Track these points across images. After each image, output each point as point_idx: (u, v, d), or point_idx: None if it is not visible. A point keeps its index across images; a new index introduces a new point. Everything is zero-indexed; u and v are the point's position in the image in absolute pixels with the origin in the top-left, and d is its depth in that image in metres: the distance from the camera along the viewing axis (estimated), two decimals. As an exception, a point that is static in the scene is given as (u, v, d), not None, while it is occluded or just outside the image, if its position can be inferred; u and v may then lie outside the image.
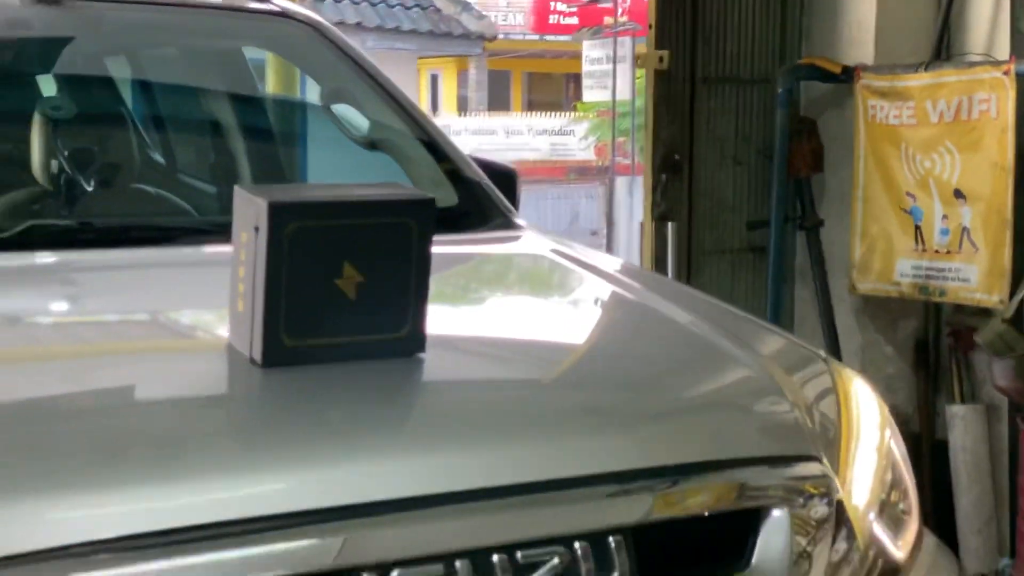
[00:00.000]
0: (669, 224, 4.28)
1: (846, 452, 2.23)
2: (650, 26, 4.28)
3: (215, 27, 3.70)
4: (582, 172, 26.43)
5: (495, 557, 1.77)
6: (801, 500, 2.04)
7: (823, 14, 4.43)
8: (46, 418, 1.86)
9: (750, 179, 4.47)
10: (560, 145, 30.39)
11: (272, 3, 3.60)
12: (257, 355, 1.96)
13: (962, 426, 4.18)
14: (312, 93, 4.20)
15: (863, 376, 2.60)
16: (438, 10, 17.34)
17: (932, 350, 4.44)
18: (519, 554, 1.78)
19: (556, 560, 1.80)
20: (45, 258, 2.58)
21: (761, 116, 4.44)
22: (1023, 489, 3.47)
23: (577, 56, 22.98)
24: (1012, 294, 3.68)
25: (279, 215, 1.93)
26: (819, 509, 2.06)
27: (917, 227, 4.05)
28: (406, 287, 2.04)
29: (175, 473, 1.71)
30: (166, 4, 3.57)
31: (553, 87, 38.62)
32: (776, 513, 2.00)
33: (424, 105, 37.18)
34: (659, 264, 4.27)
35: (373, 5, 16.81)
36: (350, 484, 1.76)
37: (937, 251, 3.98)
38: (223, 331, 2.06)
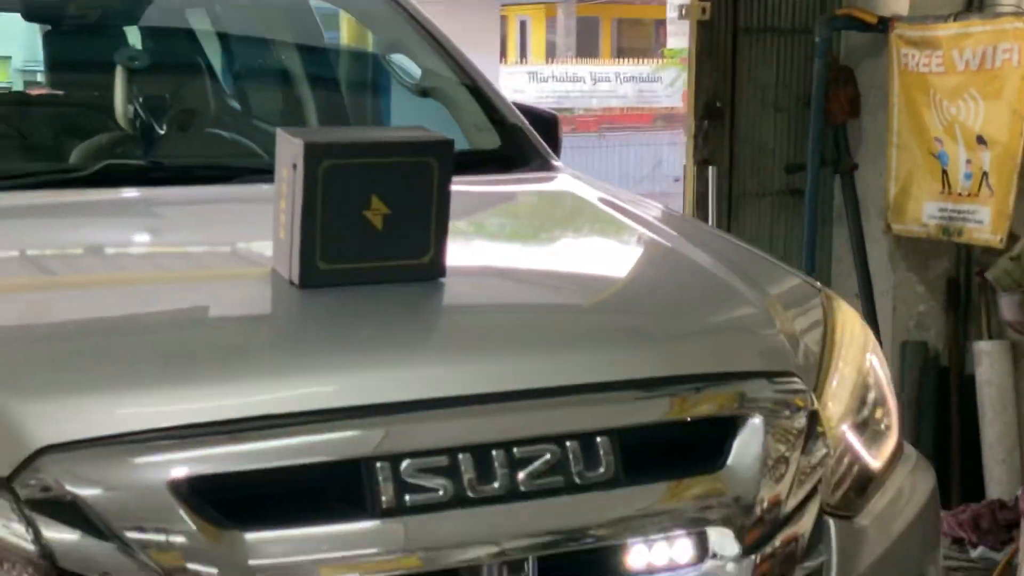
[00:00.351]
0: (710, 168, 4.53)
1: (827, 372, 2.47)
2: (693, -23, 4.52)
3: None
4: (668, 119, 26.57)
5: (494, 452, 2.04)
6: (777, 411, 2.29)
7: (858, -34, 4.65)
8: (122, 329, 2.18)
9: (789, 125, 4.70)
10: (647, 92, 30.50)
11: (334, -41, 3.88)
12: (295, 277, 2.26)
13: (988, 362, 4.40)
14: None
15: (853, 307, 2.82)
16: (520, -42, 17.57)
17: (963, 289, 4.65)
18: (515, 450, 2.06)
19: (548, 456, 2.07)
20: (117, 194, 2.89)
21: (800, 65, 4.66)
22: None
23: (665, 2, 23.13)
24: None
25: (313, 154, 2.22)
26: (794, 419, 2.30)
27: (944, 171, 4.27)
28: (427, 218, 2.31)
29: (229, 374, 2.02)
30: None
31: (642, 33, 38.69)
32: (753, 421, 2.25)
33: (512, 51, 37.37)
34: (700, 206, 4.52)
35: (455, -46, 17.08)
36: (371, 388, 2.05)
37: (960, 194, 4.20)
38: (268, 257, 2.35)
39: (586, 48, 36.36)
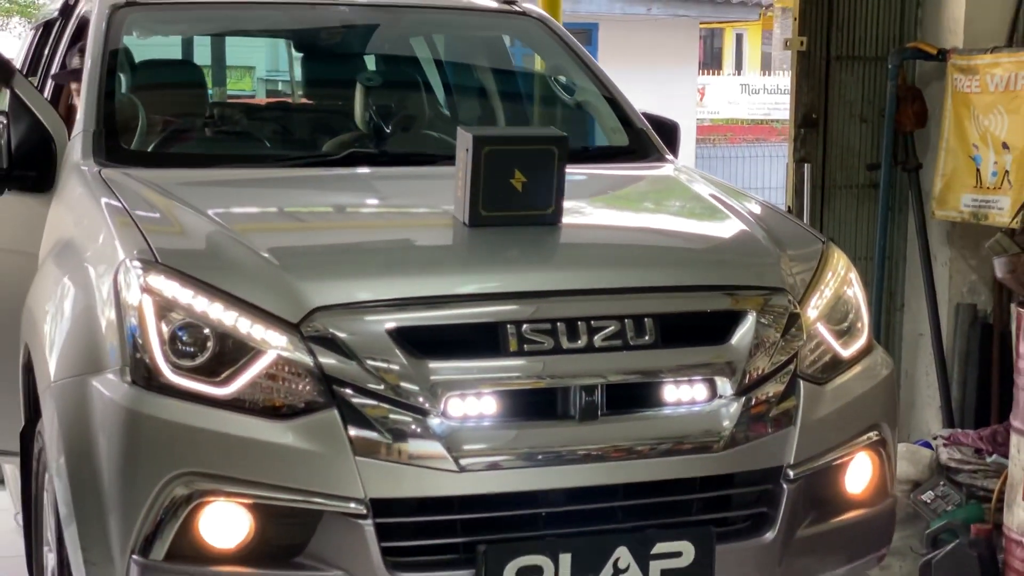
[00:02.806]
0: (806, 165, 5.84)
1: (811, 290, 3.78)
2: (794, 18, 5.84)
3: (480, 22, 5.43)
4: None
5: (579, 323, 3.42)
6: (768, 310, 3.61)
7: (930, 8, 5.91)
8: (364, 244, 3.73)
9: (870, 132, 5.98)
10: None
11: (516, 5, 5.29)
12: (467, 220, 3.67)
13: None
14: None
15: (844, 253, 4.10)
16: (719, -20, 18.93)
17: (1010, 263, 5.85)
18: (593, 323, 3.44)
19: (613, 327, 3.44)
20: (358, 171, 4.38)
21: (880, 85, 5.94)
22: (1019, 368, 4.78)
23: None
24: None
25: (479, 142, 3.62)
26: (779, 317, 3.63)
27: (977, 170, 5.51)
28: (551, 184, 3.69)
29: (426, 270, 3.50)
30: (448, 8, 5.35)
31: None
32: (750, 315, 3.58)
33: (727, 62, 38.31)
34: (798, 195, 5.84)
35: (659, -24, 18.54)
36: (508, 281, 3.49)
37: (988, 188, 5.44)
38: (451, 207, 3.78)
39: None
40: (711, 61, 38.14)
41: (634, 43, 18.56)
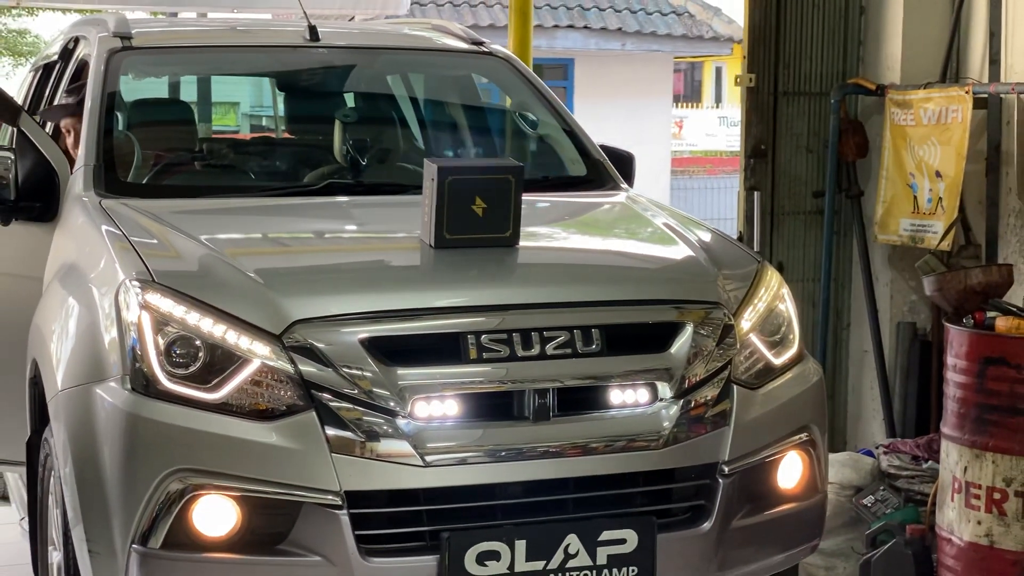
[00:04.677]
0: (756, 193, 6.25)
1: (745, 303, 4.17)
2: (743, 56, 6.27)
3: (450, 61, 5.83)
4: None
5: (533, 333, 3.82)
6: (704, 322, 4.01)
7: (870, 47, 6.34)
8: (339, 264, 4.12)
9: (817, 162, 6.41)
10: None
11: (484, 46, 5.69)
12: (432, 242, 4.06)
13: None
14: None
15: (776, 270, 4.50)
16: (692, 16, 19.37)
17: (945, 284, 6.26)
18: (545, 333, 3.83)
19: (563, 337, 3.83)
20: (335, 199, 4.79)
21: (825, 118, 6.36)
22: (947, 379, 5.17)
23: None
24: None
25: (442, 172, 4.02)
26: (714, 328, 4.02)
27: (915, 197, 5.92)
28: (508, 210, 4.08)
29: (394, 286, 3.91)
30: (420, 49, 5.76)
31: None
32: (687, 327, 3.97)
33: (706, 95, 38.76)
34: (748, 222, 6.25)
35: (633, 13, 18.97)
36: (469, 296, 3.89)
37: (924, 213, 5.86)
38: (418, 231, 4.17)
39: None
40: (691, 94, 38.56)
41: (609, 77, 19.04)
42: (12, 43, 23.13)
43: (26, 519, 4.83)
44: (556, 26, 18.31)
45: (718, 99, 38.42)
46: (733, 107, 34.55)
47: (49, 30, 23.52)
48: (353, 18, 8.69)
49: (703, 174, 24.82)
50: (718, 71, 39.48)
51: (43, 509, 4.39)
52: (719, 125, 32.61)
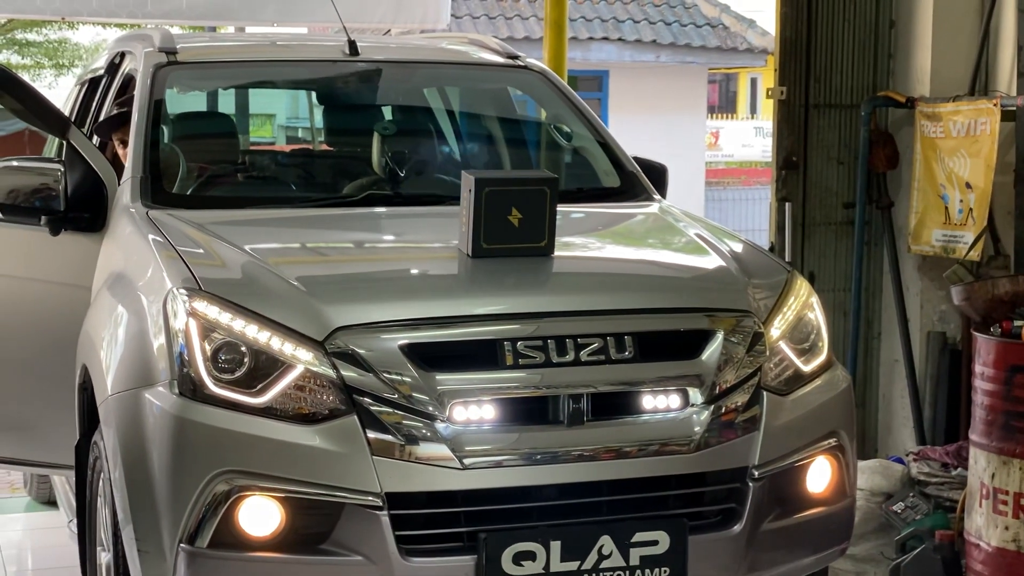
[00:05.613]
0: (787, 204, 6.35)
1: (775, 312, 4.27)
2: (775, 69, 6.37)
3: (485, 76, 5.95)
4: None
5: (567, 340, 3.93)
6: (734, 330, 4.11)
7: (900, 59, 6.43)
8: (380, 272, 4.26)
9: (848, 173, 6.50)
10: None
11: (520, 60, 5.81)
12: (469, 252, 4.17)
13: (987, 346, 6.07)
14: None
15: (809, 281, 4.61)
16: (726, 27, 19.46)
17: (975, 294, 6.34)
18: (579, 339, 3.94)
19: (597, 344, 3.94)
20: (375, 210, 4.91)
21: (855, 130, 6.46)
22: (976, 387, 5.26)
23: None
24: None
25: (479, 183, 4.13)
26: (746, 335, 4.11)
27: (946, 208, 6.01)
28: (544, 220, 4.19)
29: (434, 294, 4.02)
30: (458, 63, 5.88)
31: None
32: (719, 335, 4.07)
33: (742, 107, 38.82)
34: (779, 232, 6.35)
35: (667, 25, 19.09)
36: (506, 303, 4.00)
37: (955, 224, 5.94)
38: (456, 241, 4.29)
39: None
40: (726, 105, 38.62)
41: (644, 89, 19.13)
42: (53, 53, 23.41)
43: (74, 522, 4.97)
44: (591, 38, 18.42)
45: (753, 109, 38.45)
46: (768, 118, 34.64)
47: (88, 40, 23.85)
48: (389, 32, 8.81)
49: (738, 185, 24.88)
50: (753, 82, 39.52)
51: (92, 511, 4.52)
52: (755, 135, 32.66)
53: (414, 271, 4.40)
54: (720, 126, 33.17)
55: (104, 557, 4.34)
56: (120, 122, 5.64)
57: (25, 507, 7.08)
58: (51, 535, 6.43)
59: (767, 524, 4.06)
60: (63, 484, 5.76)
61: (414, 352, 3.80)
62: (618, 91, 19.22)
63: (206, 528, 3.74)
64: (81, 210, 4.88)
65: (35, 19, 17.40)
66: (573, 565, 3.82)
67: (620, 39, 18.77)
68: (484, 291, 4.12)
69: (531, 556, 3.79)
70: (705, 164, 21.60)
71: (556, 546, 3.80)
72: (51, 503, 6.85)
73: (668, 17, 19.22)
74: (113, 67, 5.92)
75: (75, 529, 4.91)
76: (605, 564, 3.84)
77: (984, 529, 5.00)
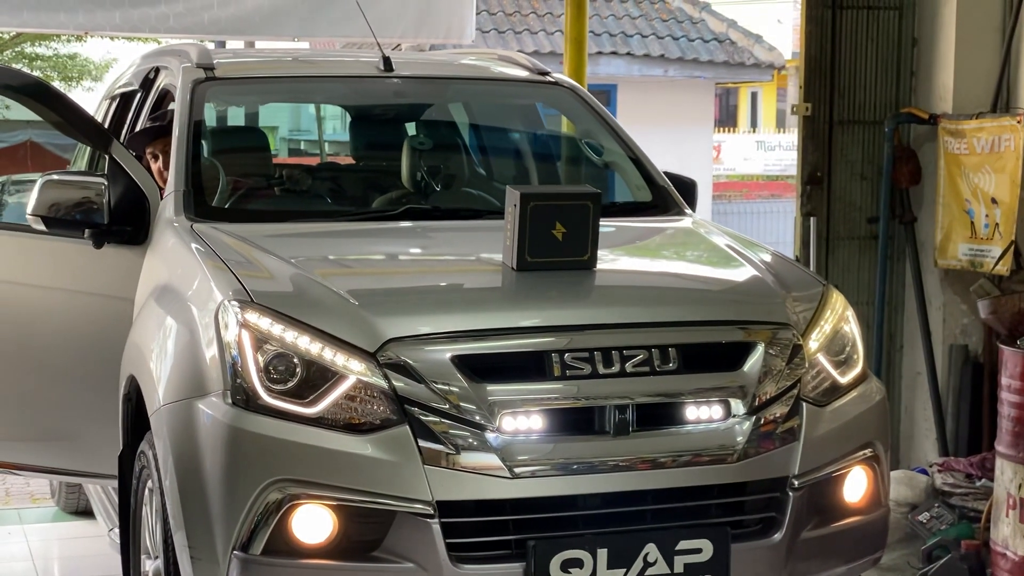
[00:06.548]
0: (812, 218, 6.44)
1: (812, 325, 4.35)
2: (800, 86, 6.46)
3: (516, 91, 6.03)
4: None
5: (613, 352, 4.00)
6: (774, 342, 4.19)
7: (923, 77, 6.53)
8: (425, 286, 4.32)
9: (871, 189, 6.60)
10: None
11: (549, 75, 5.89)
12: (514, 265, 4.25)
13: (1010, 360, 6.16)
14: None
15: (843, 294, 4.67)
16: (733, 43, 19.57)
17: (997, 308, 6.43)
18: (625, 351, 4.02)
19: (642, 355, 4.01)
20: (414, 224, 4.98)
21: (879, 146, 6.55)
22: (1002, 400, 5.34)
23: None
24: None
25: (525, 199, 4.21)
26: (784, 348, 4.20)
27: (971, 223, 6.10)
28: (587, 234, 4.27)
29: (481, 308, 4.09)
30: (488, 79, 5.96)
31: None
32: (759, 347, 4.16)
33: (743, 120, 38.89)
34: (804, 247, 6.43)
35: (675, 39, 19.21)
36: (552, 316, 4.08)
37: (981, 238, 6.03)
38: (498, 255, 4.36)
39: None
40: (726, 119, 38.68)
41: (652, 103, 19.22)
42: (62, 67, 23.51)
43: (115, 530, 5.03)
44: (600, 52, 18.52)
45: (753, 123, 38.52)
46: (769, 131, 34.72)
47: (99, 56, 23.93)
48: (399, 46, 8.88)
49: (740, 199, 24.97)
50: (753, 96, 39.57)
51: (136, 520, 4.58)
52: (756, 149, 32.73)
53: (461, 284, 4.48)
54: (722, 140, 33.24)
55: (150, 565, 4.40)
56: (153, 136, 5.72)
57: (53, 517, 7.14)
58: (84, 545, 6.49)
59: (806, 533, 4.14)
60: (99, 494, 5.82)
61: (464, 363, 3.88)
62: (626, 105, 19.30)
63: (259, 535, 3.81)
64: (123, 223, 4.95)
65: (54, 33, 17.46)
66: (619, 572, 3.89)
67: (629, 53, 18.87)
68: (531, 304, 4.20)
69: (579, 563, 3.86)
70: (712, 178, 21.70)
71: (603, 554, 3.88)
72: (79, 513, 6.91)
73: (676, 32, 19.34)
74: (148, 82, 6.00)
75: (116, 538, 4.96)
76: (651, 571, 3.91)
77: (1011, 539, 5.08)
